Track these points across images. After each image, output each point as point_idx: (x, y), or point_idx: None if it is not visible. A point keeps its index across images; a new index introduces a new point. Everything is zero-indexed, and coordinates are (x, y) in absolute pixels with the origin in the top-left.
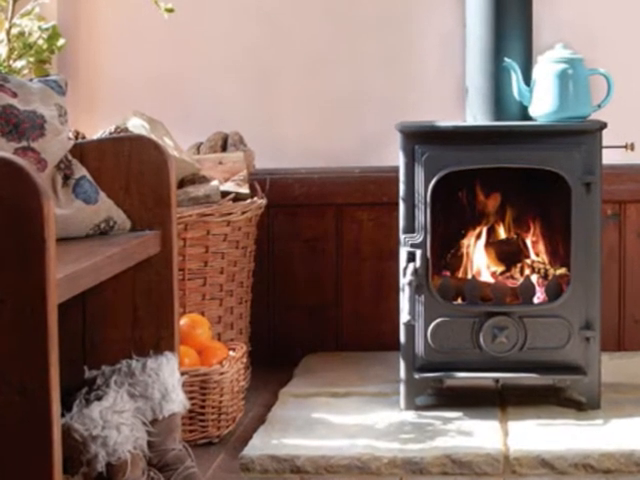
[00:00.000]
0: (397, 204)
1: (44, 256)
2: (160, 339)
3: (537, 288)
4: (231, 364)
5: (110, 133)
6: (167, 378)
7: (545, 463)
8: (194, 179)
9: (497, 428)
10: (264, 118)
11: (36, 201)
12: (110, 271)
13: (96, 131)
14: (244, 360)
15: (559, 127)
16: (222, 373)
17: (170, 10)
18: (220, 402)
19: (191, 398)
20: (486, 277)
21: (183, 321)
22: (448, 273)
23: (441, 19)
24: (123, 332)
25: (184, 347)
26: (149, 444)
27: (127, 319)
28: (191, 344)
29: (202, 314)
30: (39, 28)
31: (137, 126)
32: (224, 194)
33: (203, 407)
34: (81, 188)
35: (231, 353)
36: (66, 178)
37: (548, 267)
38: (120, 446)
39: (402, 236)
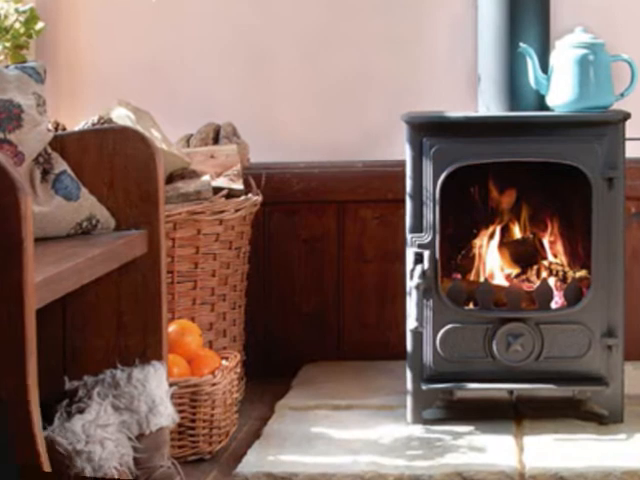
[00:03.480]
0: (403, 201)
1: (21, 257)
2: (147, 347)
3: (555, 292)
4: (224, 374)
5: (93, 124)
6: (154, 389)
7: None
8: (184, 174)
9: (512, 443)
10: (259, 108)
11: (13, 197)
12: (93, 273)
13: (78, 122)
14: (238, 370)
15: (579, 118)
16: (214, 384)
17: None
18: (212, 415)
19: (180, 411)
20: (500, 280)
21: (172, 328)
22: (459, 276)
23: (451, 0)
24: (107, 339)
25: (173, 356)
26: (135, 461)
27: (111, 325)
28: (180, 352)
29: (192, 320)
30: (16, 11)
31: (122, 116)
32: (216, 190)
33: (193, 421)
34: (61, 184)
35: (224, 362)
36: (45, 173)
37: (567, 269)
38: (105, 462)
39: (409, 236)
